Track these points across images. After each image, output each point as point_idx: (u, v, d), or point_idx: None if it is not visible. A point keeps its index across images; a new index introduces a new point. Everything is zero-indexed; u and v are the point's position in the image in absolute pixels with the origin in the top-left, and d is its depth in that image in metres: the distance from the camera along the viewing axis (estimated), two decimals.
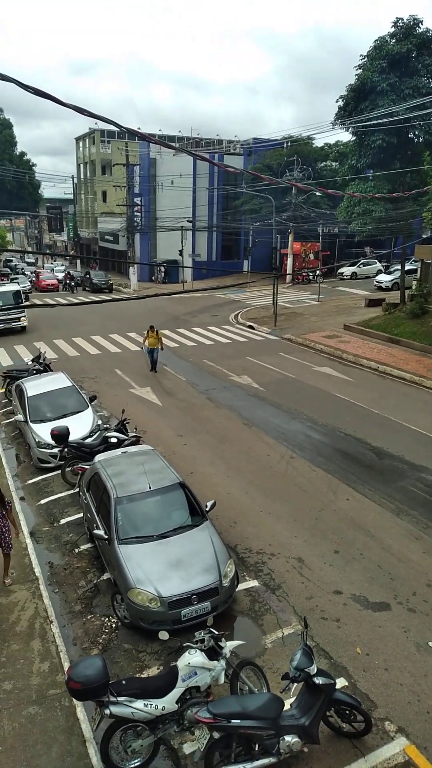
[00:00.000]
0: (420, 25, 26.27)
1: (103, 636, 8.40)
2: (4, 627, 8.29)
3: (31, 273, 60.24)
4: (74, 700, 6.91)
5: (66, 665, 7.54)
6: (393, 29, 26.67)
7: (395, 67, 26.18)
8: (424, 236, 37.58)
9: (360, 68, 27.15)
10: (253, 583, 9.50)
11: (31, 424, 14.42)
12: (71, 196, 75.10)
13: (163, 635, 6.87)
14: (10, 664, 7.61)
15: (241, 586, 9.28)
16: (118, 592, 8.66)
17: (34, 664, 7.63)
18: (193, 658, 6.52)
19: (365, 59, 27.08)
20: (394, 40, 26.60)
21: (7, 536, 9.40)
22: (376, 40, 26.98)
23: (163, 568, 8.51)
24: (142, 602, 8.14)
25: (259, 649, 8.06)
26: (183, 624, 8.09)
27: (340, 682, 7.33)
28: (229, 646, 6.86)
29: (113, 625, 8.60)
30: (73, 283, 50.77)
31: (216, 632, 6.84)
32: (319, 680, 6.31)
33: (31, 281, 52.12)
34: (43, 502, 12.44)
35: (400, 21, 26.52)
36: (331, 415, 16.99)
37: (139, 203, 52.81)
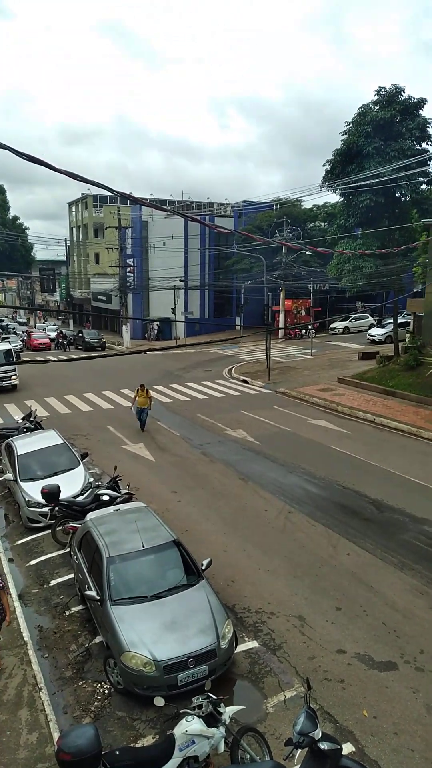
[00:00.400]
0: (402, 93, 27.50)
1: (96, 703, 7.92)
2: None
3: (23, 332, 60.65)
4: None
5: (56, 735, 7.06)
6: (376, 97, 27.89)
7: (380, 132, 27.22)
8: (415, 290, 38.19)
9: (346, 133, 28.24)
10: (252, 643, 9.07)
11: (21, 483, 14.09)
12: (64, 258, 76.50)
13: (159, 701, 6.45)
14: None
15: (240, 648, 8.85)
16: (110, 656, 8.23)
17: (21, 736, 7.14)
18: (190, 725, 6.13)
19: (350, 125, 28.19)
20: (377, 107, 27.78)
21: None
22: (361, 108, 28.17)
23: (158, 630, 8.11)
24: (136, 666, 7.71)
25: (261, 714, 7.60)
26: (180, 689, 7.65)
27: (347, 748, 6.90)
28: (228, 711, 6.48)
29: (106, 692, 8.12)
30: (65, 342, 51.05)
31: (214, 697, 6.46)
32: (324, 745, 5.89)
33: (22, 340, 52.40)
34: (32, 562, 12.00)
35: (383, 90, 27.77)
36: (328, 468, 16.75)
37: (132, 264, 53.78)
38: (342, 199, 30.07)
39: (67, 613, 10.11)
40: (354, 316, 48.91)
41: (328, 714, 7.57)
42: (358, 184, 26.42)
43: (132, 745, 7.10)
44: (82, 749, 5.57)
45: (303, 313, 50.46)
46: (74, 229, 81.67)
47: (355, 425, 21.44)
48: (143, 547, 9.44)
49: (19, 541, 13.02)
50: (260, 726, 7.30)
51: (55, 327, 68.03)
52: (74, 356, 44.21)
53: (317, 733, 5.95)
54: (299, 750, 5.92)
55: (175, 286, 49.72)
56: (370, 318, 48.73)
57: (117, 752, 6.00)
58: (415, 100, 27.41)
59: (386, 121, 26.96)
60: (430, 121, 27.21)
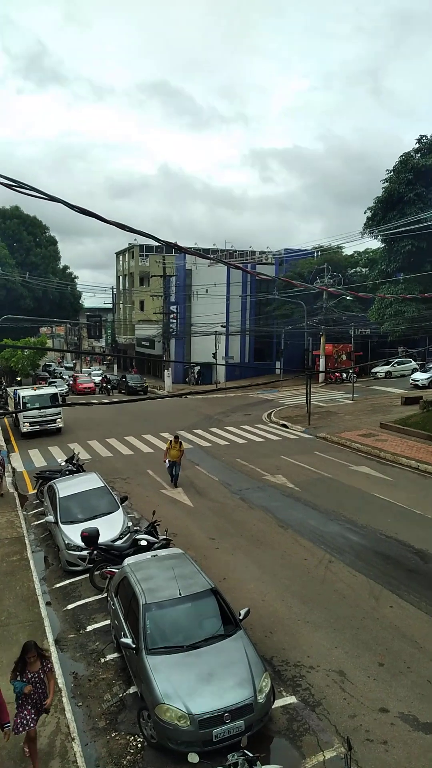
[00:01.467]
0: None
1: (128, 757, 7.73)
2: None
3: (69, 377, 61.95)
4: None
5: None
6: (417, 145, 28.29)
7: (421, 179, 27.52)
8: None
9: (387, 181, 28.66)
10: (290, 699, 8.76)
11: (62, 525, 14.19)
12: (110, 306, 78.45)
13: (193, 758, 6.23)
14: None
15: (278, 703, 8.56)
16: (144, 707, 8.06)
17: None
18: None
19: (392, 173, 28.59)
20: (419, 155, 28.15)
21: (40, 703, 7.49)
22: (402, 156, 28.60)
23: (194, 682, 7.92)
24: (170, 720, 7.52)
25: None
26: (215, 745, 7.40)
27: None
28: None
29: (139, 745, 7.92)
30: (109, 386, 51.98)
31: (251, 755, 6.23)
32: None
33: (68, 384, 53.52)
34: (69, 607, 11.97)
35: (424, 138, 28.16)
36: (370, 516, 16.34)
37: (175, 311, 54.76)
38: (383, 245, 30.29)
39: (102, 660, 9.99)
40: (396, 360, 48.37)
41: None
42: (400, 229, 26.56)
43: None
44: None
45: (344, 357, 50.21)
46: (120, 277, 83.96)
47: (398, 472, 20.95)
48: (180, 594, 9.31)
49: (58, 585, 13.02)
50: None
51: (99, 372, 69.26)
52: (115, 400, 44.87)
53: None
54: None
55: (216, 331, 50.30)
56: (413, 363, 48.09)
57: None
58: None
59: (428, 168, 27.26)
60: None
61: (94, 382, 55.19)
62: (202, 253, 72.03)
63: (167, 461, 19.94)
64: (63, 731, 7.98)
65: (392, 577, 12.61)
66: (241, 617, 9.16)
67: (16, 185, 6.79)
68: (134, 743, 7.98)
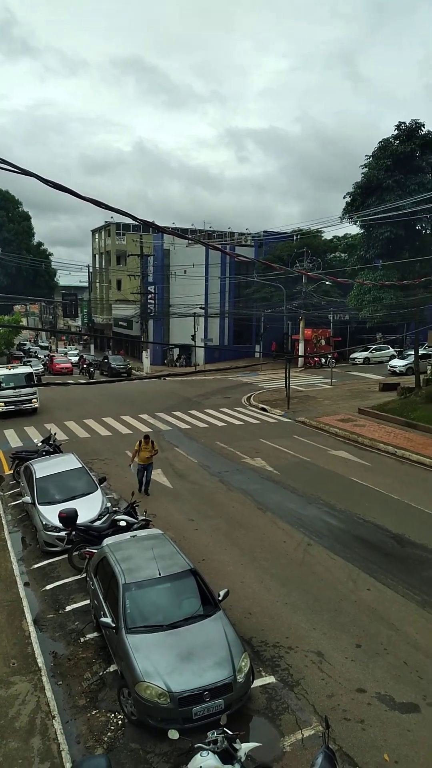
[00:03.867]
0: (422, 128, 27.80)
1: (109, 734, 7.76)
2: (3, 723, 7.68)
3: (45, 356, 61.25)
4: None
5: (68, 766, 6.91)
6: (396, 131, 28.18)
7: (400, 166, 27.45)
8: None
9: (366, 167, 28.54)
10: (269, 679, 8.86)
11: (39, 506, 14.08)
12: (86, 284, 77.59)
13: (173, 734, 6.29)
14: (7, 765, 6.98)
15: (257, 682, 8.65)
16: (125, 685, 8.08)
17: (33, 765, 6.99)
18: (205, 761, 5.96)
19: (371, 158, 28.49)
20: (397, 142, 28.06)
21: None
22: (381, 141, 28.47)
23: (174, 661, 7.96)
24: (150, 697, 7.56)
25: (277, 753, 7.37)
26: (194, 723, 7.46)
27: None
28: (244, 748, 6.29)
29: (119, 722, 7.96)
30: (92, 369, 48.93)
31: (230, 732, 6.29)
32: None
33: (44, 364, 52.86)
34: (48, 587, 11.92)
35: (402, 124, 28.08)
36: (348, 500, 16.51)
37: (153, 291, 54.34)
38: (362, 231, 30.26)
39: (82, 639, 9.98)
40: (374, 347, 48.76)
41: (347, 756, 7.32)
42: (379, 216, 26.56)
43: None
44: None
45: (323, 342, 50.44)
46: (97, 255, 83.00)
47: (376, 457, 21.19)
48: (160, 574, 9.32)
49: (36, 565, 12.95)
50: (277, 765, 7.10)
51: (76, 352, 68.59)
52: (93, 381, 44.50)
53: None
54: None
55: (195, 313, 50.08)
56: (391, 349, 48.54)
57: None
58: None
59: (406, 155, 27.21)
60: None
61: (72, 362, 54.48)
62: (180, 233, 71.57)
63: (134, 464, 17.29)
64: (43, 709, 7.98)
65: (370, 560, 12.78)
66: (220, 598, 9.21)
67: None
68: (115, 720, 8.01)
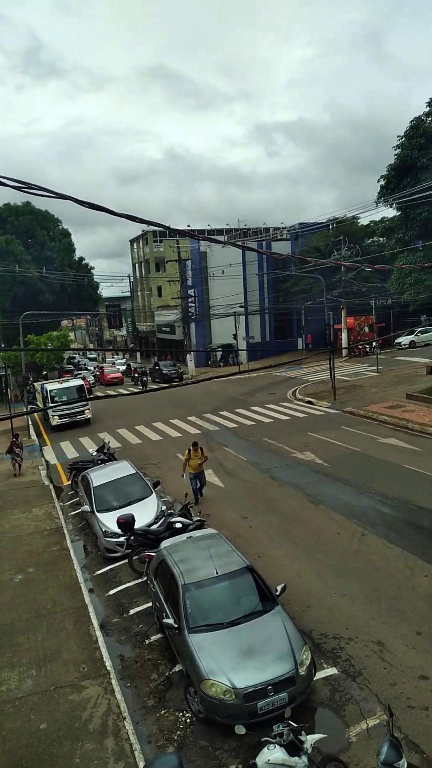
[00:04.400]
0: None
1: (178, 732, 8.03)
2: (77, 725, 8.05)
3: (95, 368, 62.60)
4: None
5: (141, 765, 7.20)
6: (428, 108, 27.71)
7: None
8: None
9: (399, 147, 28.18)
10: (331, 670, 8.97)
11: (98, 514, 14.55)
12: (128, 294, 78.73)
13: (240, 730, 6.49)
14: (84, 766, 7.33)
15: (319, 675, 8.77)
16: (190, 684, 8.34)
17: (108, 765, 7.31)
18: (272, 754, 6.13)
19: (403, 139, 28.11)
20: (430, 119, 27.59)
21: None
22: (413, 120, 28.08)
23: (236, 658, 8.17)
24: (215, 694, 7.79)
25: (343, 744, 7.49)
26: (260, 717, 7.66)
27: None
28: (310, 740, 6.44)
29: (188, 720, 8.23)
30: (144, 378, 47.71)
31: (295, 725, 6.45)
32: None
33: (95, 375, 54.09)
34: (112, 592, 12.32)
35: None
36: (401, 487, 16.39)
37: (193, 294, 54.73)
38: (399, 213, 29.89)
39: (147, 641, 10.31)
40: (420, 329, 47.81)
41: (413, 743, 7.38)
42: (415, 196, 26.18)
43: None
44: None
45: (366, 329, 49.78)
46: (136, 265, 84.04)
47: (427, 442, 20.90)
48: (217, 573, 9.55)
49: (98, 572, 13.39)
50: (343, 756, 7.20)
51: (123, 361, 69.75)
52: (139, 389, 45.21)
53: (402, 763, 5.85)
54: None
55: (235, 312, 50.22)
56: None
57: None
58: None
59: None
60: None
61: (121, 372, 55.39)
62: (215, 236, 71.79)
63: (186, 473, 16.99)
64: (114, 711, 8.31)
65: (426, 546, 12.70)
66: (278, 593, 9.38)
67: (25, 186, 6.89)
68: (183, 719, 8.28)
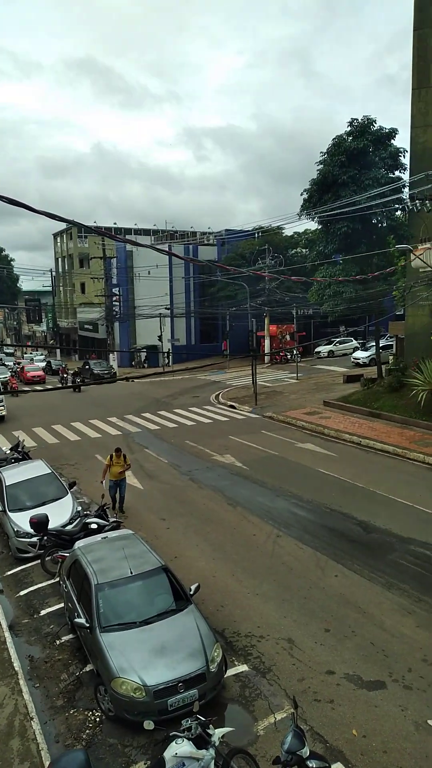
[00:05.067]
0: (374, 123, 28.42)
1: (87, 731, 7.95)
2: None
3: (14, 364, 60.54)
4: None
5: (47, 764, 7.08)
6: (349, 128, 28.75)
7: (354, 162, 28.02)
8: (397, 313, 38.80)
9: (321, 163, 29.03)
10: (242, 667, 9.14)
11: (10, 513, 14.14)
12: (50, 289, 77.03)
13: (149, 725, 6.52)
14: None
15: (230, 672, 8.93)
16: (101, 683, 8.28)
17: (13, 766, 7.14)
18: (180, 747, 6.20)
19: (325, 155, 29.00)
20: (351, 138, 28.62)
21: None
22: (335, 138, 28.99)
23: (148, 656, 8.19)
24: (126, 692, 7.77)
25: (251, 737, 7.66)
26: (170, 714, 7.70)
27: (337, 767, 6.97)
28: (218, 733, 6.55)
29: (97, 719, 8.15)
30: (79, 380, 41.74)
31: (203, 719, 6.54)
32: (312, 764, 6.01)
33: (13, 372, 52.01)
34: (22, 593, 12.02)
35: (355, 121, 28.68)
36: (315, 491, 16.91)
37: (117, 293, 54.28)
38: (320, 227, 30.78)
39: (58, 642, 10.14)
40: (338, 340, 49.52)
41: (318, 734, 7.64)
42: (335, 212, 27.06)
43: None
44: None
45: (288, 338, 51.01)
46: (59, 259, 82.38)
47: (342, 448, 21.67)
48: (131, 573, 9.54)
49: (9, 572, 13.03)
50: (251, 749, 7.35)
51: (42, 357, 67.95)
52: (57, 386, 44.10)
53: (305, 752, 6.07)
54: None
55: (161, 314, 50.18)
56: (354, 341, 49.36)
57: None
58: (387, 131, 28.35)
59: (360, 151, 27.80)
60: (401, 150, 28.08)
61: (42, 369, 52.06)
62: (141, 236, 71.54)
63: (106, 481, 16.16)
64: (21, 712, 8.14)
65: (337, 548, 13.18)
66: (191, 592, 9.47)
67: None
68: (92, 718, 8.20)
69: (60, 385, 42.51)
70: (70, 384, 40.00)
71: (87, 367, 47.55)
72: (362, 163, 27.99)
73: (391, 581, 11.53)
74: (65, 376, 45.66)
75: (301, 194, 30.07)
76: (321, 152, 29.24)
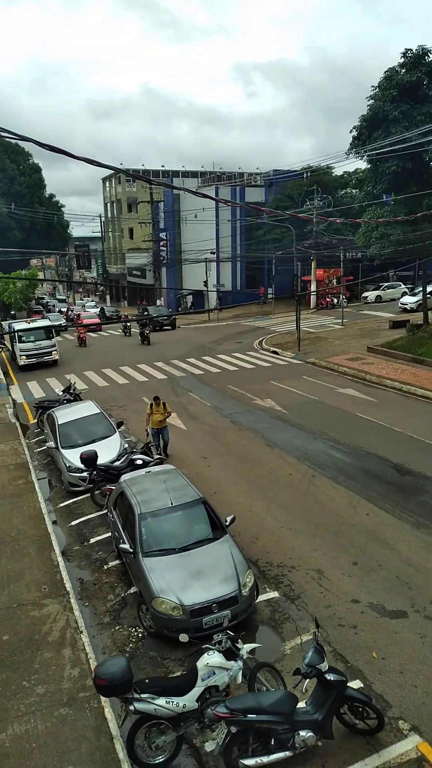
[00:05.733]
0: (429, 54, 27.08)
1: (130, 645, 8.84)
2: (37, 637, 8.78)
3: (67, 310, 61.67)
4: (102, 699, 7.35)
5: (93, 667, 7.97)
6: (402, 59, 27.51)
7: (406, 96, 26.98)
8: None
9: (372, 98, 28.06)
10: (273, 594, 9.85)
11: (62, 450, 15.09)
12: (99, 234, 77.42)
13: (183, 637, 7.28)
14: (43, 671, 8.08)
15: (262, 597, 9.63)
16: (143, 602, 9.11)
17: (65, 670, 8.08)
18: (211, 658, 6.91)
19: (376, 89, 27.98)
20: (404, 70, 27.45)
21: None
22: (387, 71, 27.87)
23: (185, 579, 8.94)
24: (165, 611, 8.57)
25: (278, 655, 8.39)
26: (205, 632, 8.45)
27: (356, 684, 7.62)
28: (246, 648, 7.23)
29: (139, 635, 9.03)
30: (147, 331, 37.63)
31: (232, 633, 7.23)
32: (330, 677, 6.64)
33: (71, 318, 52.64)
34: (74, 523, 13.00)
35: (409, 52, 27.38)
36: (353, 435, 17.27)
37: (164, 238, 54.32)
38: (369, 166, 29.98)
39: (105, 567, 11.06)
40: (386, 284, 48.54)
41: (340, 655, 8.30)
42: (385, 149, 26.31)
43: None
44: (115, 675, 6.41)
45: (335, 282, 50.34)
46: (108, 204, 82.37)
47: (383, 393, 21.82)
48: (171, 504, 10.27)
49: (61, 504, 14.05)
50: (278, 665, 8.07)
51: (93, 304, 68.90)
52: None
53: (324, 666, 6.70)
54: (307, 680, 6.68)
55: (206, 259, 50.12)
56: (403, 286, 48.26)
57: (147, 680, 6.85)
58: None
59: (413, 84, 26.72)
60: None
61: (98, 315, 51.27)
62: (189, 178, 70.62)
63: (149, 429, 16.53)
64: (72, 626, 9.05)
65: (370, 488, 13.63)
66: (227, 523, 10.14)
67: None
68: (135, 633, 9.09)
69: (125, 335, 40.93)
70: (139, 336, 37.91)
71: (146, 313, 45.55)
72: (415, 98, 26.96)
73: (421, 521, 11.96)
74: (128, 325, 42.84)
75: (350, 131, 29.27)
76: (372, 86, 28.24)
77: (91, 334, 44.17)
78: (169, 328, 41.66)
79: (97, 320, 47.62)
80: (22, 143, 52.76)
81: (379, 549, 11.00)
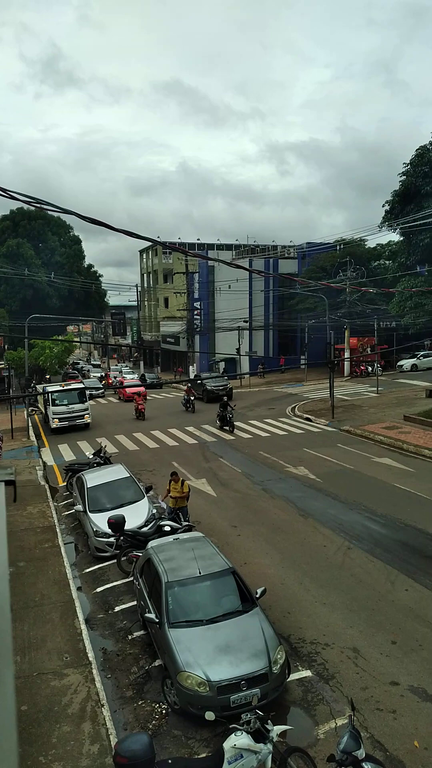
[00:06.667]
0: None
1: (154, 722, 8.33)
2: (57, 709, 8.36)
3: (102, 375, 62.57)
4: None
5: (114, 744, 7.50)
6: None
7: None
8: None
9: (404, 174, 28.83)
10: (306, 673, 9.27)
11: (90, 514, 14.89)
12: (134, 303, 79.47)
13: (210, 716, 6.81)
14: (61, 746, 7.63)
15: (294, 676, 9.07)
16: (168, 676, 8.65)
17: (84, 746, 7.61)
18: (239, 740, 6.45)
19: (408, 166, 28.76)
20: None
21: None
22: (418, 149, 28.71)
23: (212, 653, 8.49)
24: (191, 686, 8.10)
25: (311, 740, 7.79)
26: (232, 711, 7.93)
27: None
28: (276, 729, 6.75)
29: (163, 711, 8.53)
30: (192, 398, 36.29)
31: (262, 713, 6.76)
32: (367, 766, 6.10)
33: (110, 384, 53.09)
34: (99, 590, 12.64)
35: None
36: (390, 505, 16.70)
37: (199, 307, 55.34)
38: (402, 238, 30.47)
39: (130, 637, 10.62)
40: (422, 353, 48.20)
41: (378, 742, 7.67)
42: (418, 222, 26.72)
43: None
44: (137, 753, 6.00)
45: (368, 351, 50.22)
46: (144, 275, 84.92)
47: (421, 463, 21.21)
48: (200, 573, 9.89)
49: (87, 570, 13.71)
50: (310, 751, 7.48)
51: (129, 369, 69.83)
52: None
53: (360, 753, 6.16)
54: None
55: (239, 326, 50.74)
56: None
57: (170, 761, 6.39)
58: None
59: None
60: None
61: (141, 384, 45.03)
62: (224, 260, 72.61)
63: (167, 506, 15.75)
64: (93, 699, 8.61)
65: (409, 562, 13.00)
66: (258, 595, 9.70)
67: (33, 201, 7.38)
68: (159, 709, 8.58)
69: (187, 409, 36.24)
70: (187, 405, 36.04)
71: (199, 382, 41.00)
72: None
73: None
74: (191, 399, 36.72)
75: (383, 205, 30.00)
76: (404, 163, 29.09)
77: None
78: (226, 399, 33.66)
79: (143, 388, 40.57)
80: (64, 216, 55.06)
81: (420, 627, 10.36)
